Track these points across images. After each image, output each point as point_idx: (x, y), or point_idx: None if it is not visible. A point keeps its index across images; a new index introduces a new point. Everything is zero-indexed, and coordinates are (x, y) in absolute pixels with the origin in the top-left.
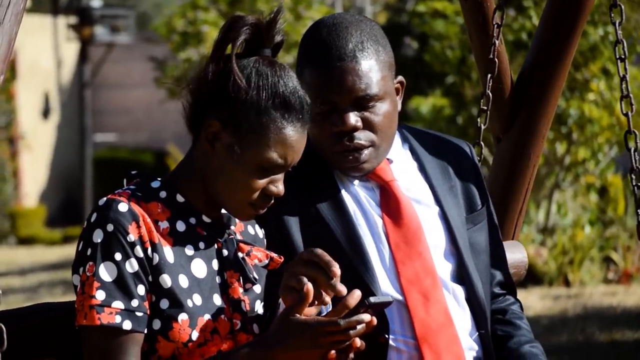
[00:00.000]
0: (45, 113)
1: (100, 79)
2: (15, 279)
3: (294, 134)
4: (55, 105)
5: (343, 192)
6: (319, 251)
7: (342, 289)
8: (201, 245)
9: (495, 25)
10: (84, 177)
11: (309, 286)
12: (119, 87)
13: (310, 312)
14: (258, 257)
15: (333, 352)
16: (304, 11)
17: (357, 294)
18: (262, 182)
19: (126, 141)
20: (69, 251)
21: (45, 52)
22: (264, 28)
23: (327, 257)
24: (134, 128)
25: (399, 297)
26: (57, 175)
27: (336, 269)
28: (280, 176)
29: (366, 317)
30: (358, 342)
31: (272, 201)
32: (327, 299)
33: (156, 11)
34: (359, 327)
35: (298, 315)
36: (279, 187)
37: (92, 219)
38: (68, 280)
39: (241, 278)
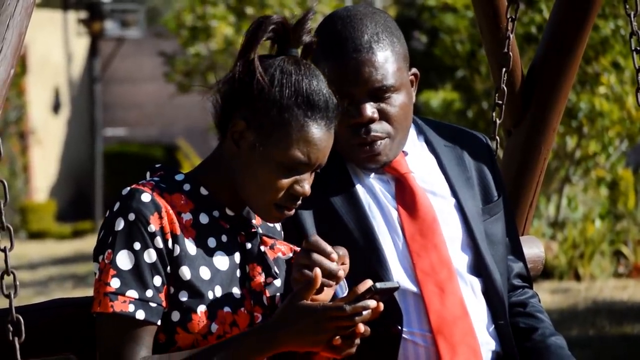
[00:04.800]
0: (56, 108)
1: (110, 73)
2: (25, 274)
3: (317, 132)
4: (66, 100)
5: (357, 185)
6: (315, 239)
7: (341, 275)
8: (224, 238)
9: (510, 19)
10: (94, 171)
11: (317, 271)
12: (129, 81)
13: (326, 295)
14: (282, 250)
15: (338, 338)
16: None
17: (369, 283)
18: (286, 181)
19: (136, 136)
20: (79, 245)
21: (56, 47)
22: (291, 28)
23: (322, 244)
24: (144, 122)
25: (415, 289)
26: (68, 170)
27: (334, 255)
28: (305, 176)
29: (372, 303)
30: (362, 328)
31: (299, 202)
32: (332, 283)
33: (166, 6)
34: (364, 312)
35: (304, 301)
36: (304, 187)
37: (115, 208)
38: (78, 274)
39: (263, 271)
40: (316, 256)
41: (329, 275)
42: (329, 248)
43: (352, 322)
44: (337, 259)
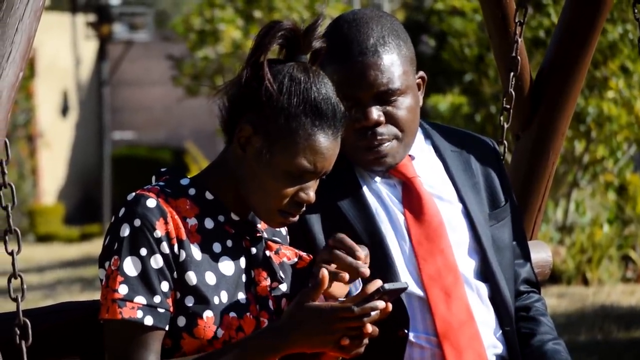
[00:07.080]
0: (64, 111)
1: (118, 76)
2: (33, 277)
3: (324, 141)
4: (74, 103)
5: (365, 188)
6: (341, 236)
7: (366, 271)
8: (229, 243)
9: (518, 23)
10: (102, 174)
11: (324, 272)
12: (138, 84)
13: (342, 291)
14: (287, 255)
15: (346, 338)
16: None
17: (378, 283)
18: (291, 189)
19: (144, 139)
20: (87, 249)
21: (64, 50)
22: (301, 34)
23: (349, 242)
24: (152, 126)
25: (421, 293)
26: (76, 173)
27: (360, 253)
28: (310, 183)
29: (380, 304)
30: (370, 328)
31: (303, 208)
32: (346, 276)
33: (174, 9)
34: (373, 313)
35: (312, 302)
36: (309, 194)
37: (120, 214)
38: (86, 277)
39: (269, 276)
40: (338, 252)
41: (353, 271)
42: (354, 245)
43: (361, 322)
44: (362, 257)
